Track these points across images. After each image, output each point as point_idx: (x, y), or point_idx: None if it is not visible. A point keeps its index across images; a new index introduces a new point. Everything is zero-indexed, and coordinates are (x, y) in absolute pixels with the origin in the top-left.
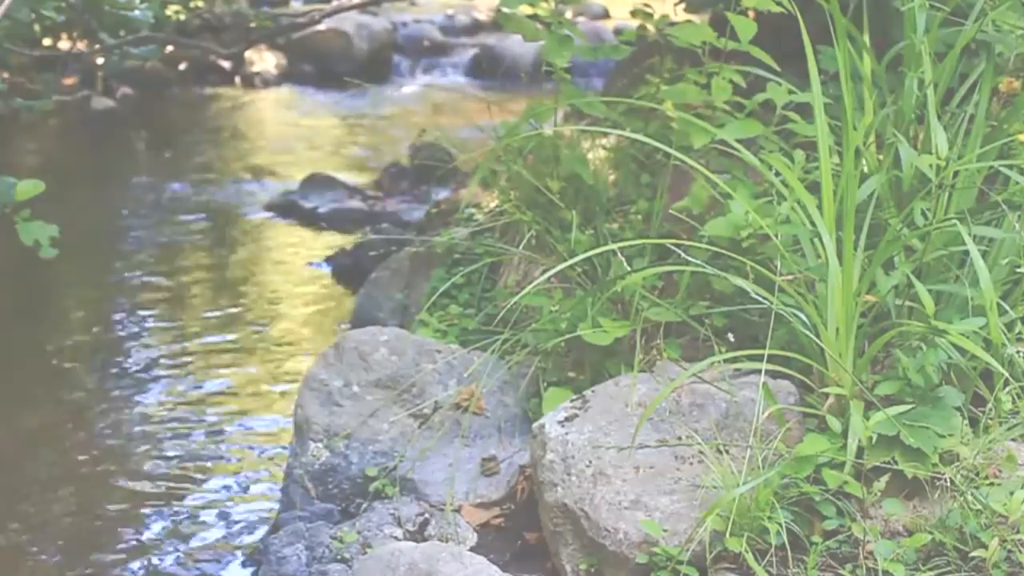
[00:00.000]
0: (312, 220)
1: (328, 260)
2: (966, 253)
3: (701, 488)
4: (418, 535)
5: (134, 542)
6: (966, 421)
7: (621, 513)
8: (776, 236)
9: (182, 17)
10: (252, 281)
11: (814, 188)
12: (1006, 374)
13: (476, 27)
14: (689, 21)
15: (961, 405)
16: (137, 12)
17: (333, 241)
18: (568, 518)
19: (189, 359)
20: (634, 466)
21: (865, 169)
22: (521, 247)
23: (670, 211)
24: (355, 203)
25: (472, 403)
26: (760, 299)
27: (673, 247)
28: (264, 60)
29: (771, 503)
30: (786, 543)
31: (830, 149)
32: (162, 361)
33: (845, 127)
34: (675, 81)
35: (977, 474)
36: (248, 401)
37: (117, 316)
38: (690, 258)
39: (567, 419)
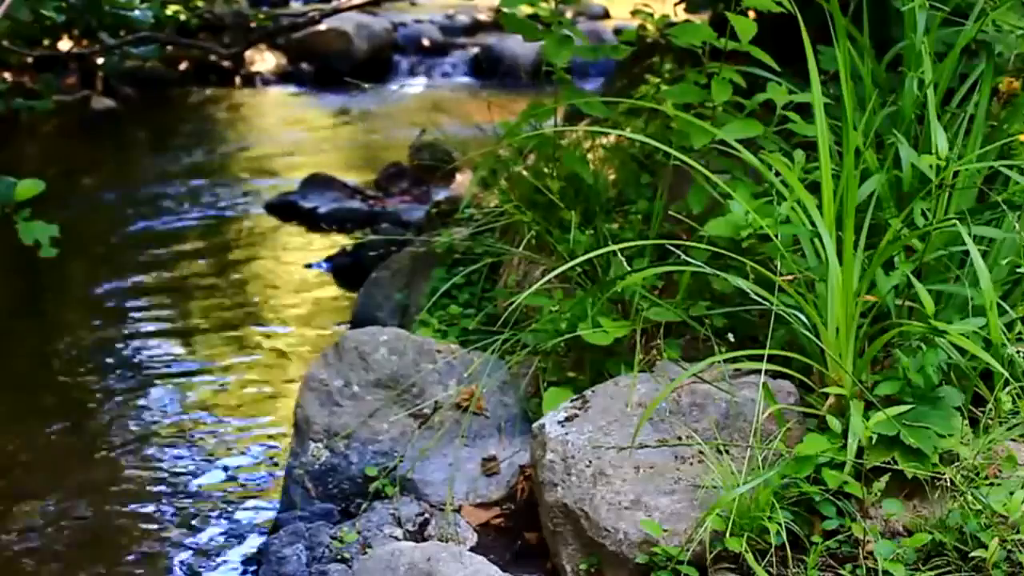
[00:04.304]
0: (312, 220)
1: (328, 260)
2: (966, 253)
3: (701, 488)
4: (418, 535)
5: (134, 542)
6: (966, 421)
7: (621, 513)
8: (776, 236)
9: (182, 17)
10: (252, 281)
11: (814, 188)
12: (1006, 374)
13: (476, 27)
14: (689, 21)
15: (961, 405)
16: (137, 12)
17: (333, 241)
18: (568, 518)
19: (189, 359)
20: (634, 466)
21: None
22: (521, 247)
23: (670, 211)
24: (355, 203)
25: (472, 403)
26: (760, 299)
27: (673, 247)
28: (264, 60)
29: (771, 503)
30: (786, 543)
31: (830, 149)
32: (162, 361)
33: (845, 127)
34: (675, 81)
35: (977, 474)
36: (248, 401)
37: (117, 316)
38: (690, 258)
39: (567, 419)
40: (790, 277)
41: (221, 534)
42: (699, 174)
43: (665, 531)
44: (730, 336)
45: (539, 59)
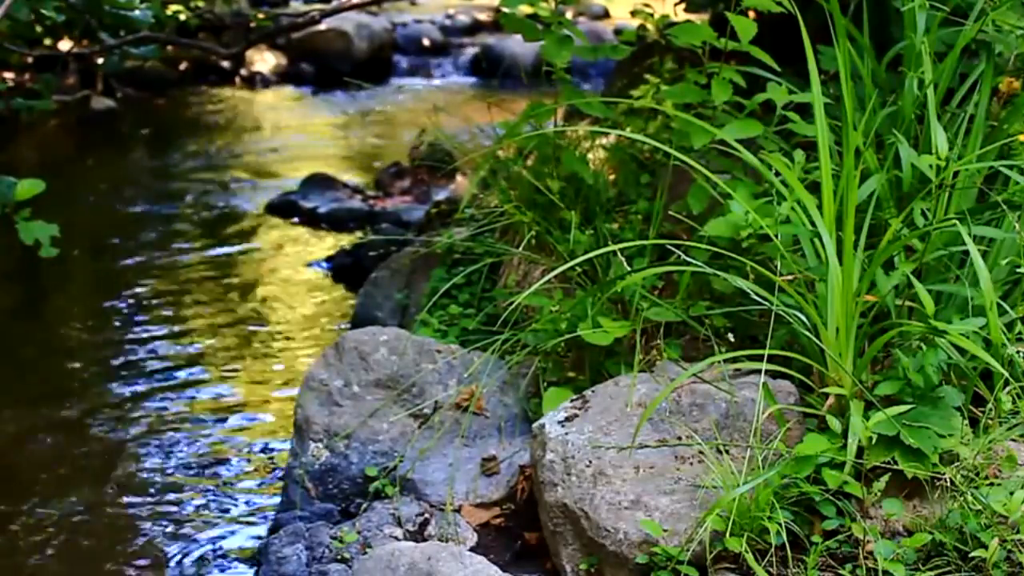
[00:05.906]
0: (312, 220)
1: (328, 260)
2: (966, 253)
3: (701, 488)
4: (418, 535)
5: (134, 542)
6: (966, 421)
7: (621, 513)
8: (776, 236)
9: (182, 17)
10: (252, 281)
11: (814, 188)
12: (1006, 374)
13: (476, 27)
14: (689, 21)
15: (961, 405)
16: (137, 12)
17: (333, 241)
18: (568, 518)
19: (189, 359)
20: (634, 466)
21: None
22: (521, 247)
23: (670, 211)
24: (355, 203)
25: (472, 403)
26: (760, 299)
27: (673, 247)
28: (264, 60)
29: (771, 503)
30: (786, 543)
31: (830, 149)
32: (162, 361)
33: (845, 127)
34: (675, 81)
35: (977, 474)
36: (248, 401)
37: (117, 316)
38: (690, 258)
39: (567, 419)
40: (790, 277)
41: (221, 534)
42: (699, 174)
43: (665, 531)
44: (730, 336)
45: (539, 59)
